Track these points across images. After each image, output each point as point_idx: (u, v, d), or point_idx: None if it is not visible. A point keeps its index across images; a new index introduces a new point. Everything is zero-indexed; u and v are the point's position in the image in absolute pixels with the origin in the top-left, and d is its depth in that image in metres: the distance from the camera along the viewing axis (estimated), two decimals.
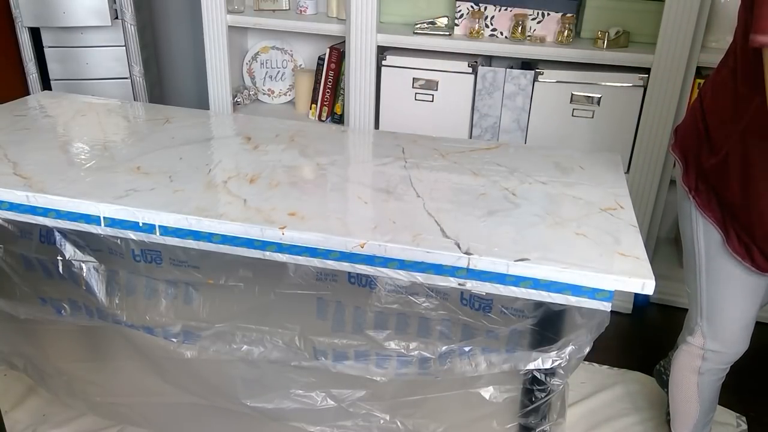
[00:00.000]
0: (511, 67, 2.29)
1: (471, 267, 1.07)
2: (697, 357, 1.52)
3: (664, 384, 1.84)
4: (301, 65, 2.78)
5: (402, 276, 1.12)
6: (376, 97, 2.40)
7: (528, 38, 2.28)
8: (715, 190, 1.37)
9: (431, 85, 2.33)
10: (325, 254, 1.13)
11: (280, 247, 1.15)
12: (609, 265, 1.05)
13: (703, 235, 1.43)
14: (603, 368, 2.10)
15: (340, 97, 2.56)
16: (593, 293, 1.05)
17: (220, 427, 1.58)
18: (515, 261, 1.05)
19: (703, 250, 1.45)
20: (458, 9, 2.30)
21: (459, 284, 1.10)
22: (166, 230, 1.19)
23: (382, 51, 2.37)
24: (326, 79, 2.55)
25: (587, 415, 1.92)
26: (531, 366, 1.15)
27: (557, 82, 2.23)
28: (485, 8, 2.27)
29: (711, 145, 1.34)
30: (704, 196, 1.40)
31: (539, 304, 1.11)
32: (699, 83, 2.11)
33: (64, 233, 1.29)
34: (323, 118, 2.61)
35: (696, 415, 1.59)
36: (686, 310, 1.57)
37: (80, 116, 1.71)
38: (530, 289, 1.07)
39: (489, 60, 2.44)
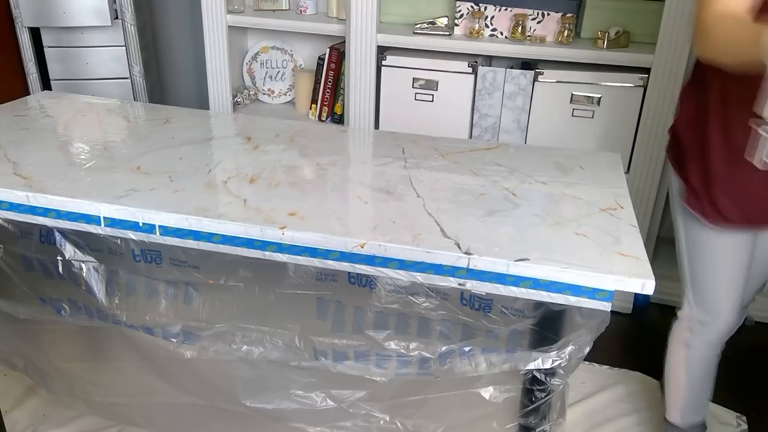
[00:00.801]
0: (511, 67, 2.28)
1: (471, 267, 1.07)
2: (686, 329, 1.53)
3: None
4: (301, 65, 2.78)
5: (402, 276, 1.12)
6: (376, 97, 2.40)
7: (528, 38, 2.28)
8: (681, 142, 1.43)
9: (431, 85, 2.33)
10: (325, 254, 1.13)
11: (280, 247, 1.15)
12: (609, 265, 1.05)
13: (677, 194, 1.46)
14: (603, 368, 2.10)
15: (340, 97, 2.56)
16: (593, 293, 1.05)
17: (220, 427, 1.58)
18: (515, 261, 1.05)
19: (680, 216, 1.47)
20: (458, 9, 2.30)
21: (459, 284, 1.10)
22: (166, 230, 1.19)
23: (382, 51, 2.37)
24: (326, 79, 2.55)
25: (587, 415, 1.92)
26: (531, 366, 1.15)
27: (557, 82, 2.23)
28: (485, 8, 2.27)
29: (691, 94, 1.40)
30: (673, 150, 1.46)
31: (539, 304, 1.11)
32: None
33: (64, 233, 1.29)
34: (323, 118, 2.61)
35: (685, 393, 1.59)
36: None
37: (80, 116, 1.71)
38: (530, 289, 1.07)
39: (489, 60, 2.43)
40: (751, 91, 1.17)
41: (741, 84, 1.22)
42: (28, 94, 2.58)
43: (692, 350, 1.55)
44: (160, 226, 1.19)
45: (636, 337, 2.31)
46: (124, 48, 2.81)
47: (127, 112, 1.82)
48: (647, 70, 2.13)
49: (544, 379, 1.17)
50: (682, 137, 1.44)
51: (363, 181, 1.40)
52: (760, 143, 1.21)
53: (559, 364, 1.13)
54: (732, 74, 1.21)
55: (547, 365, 1.14)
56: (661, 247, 2.53)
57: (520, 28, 2.25)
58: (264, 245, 1.15)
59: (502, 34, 2.30)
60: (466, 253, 1.07)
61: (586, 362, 2.10)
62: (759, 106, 1.16)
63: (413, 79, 2.34)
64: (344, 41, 2.40)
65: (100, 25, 2.71)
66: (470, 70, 2.29)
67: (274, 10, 2.60)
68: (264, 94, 2.83)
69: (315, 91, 2.61)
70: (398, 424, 1.36)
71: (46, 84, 2.86)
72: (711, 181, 1.37)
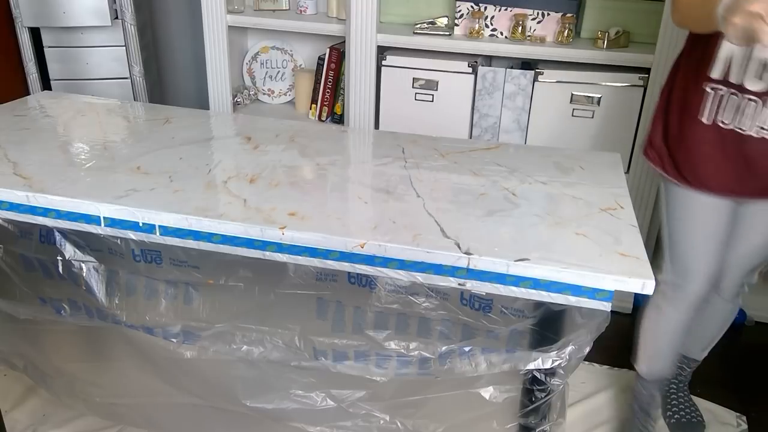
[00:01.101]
0: (511, 67, 2.29)
1: (471, 267, 1.07)
2: (659, 293, 1.63)
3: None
4: (301, 65, 2.78)
5: (402, 276, 1.12)
6: (376, 97, 2.40)
7: (528, 38, 2.28)
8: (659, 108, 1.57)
9: (431, 85, 2.33)
10: (325, 254, 1.13)
11: (280, 247, 1.15)
12: (609, 265, 1.05)
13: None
14: (603, 368, 2.10)
15: (340, 97, 2.56)
16: (593, 293, 1.05)
17: (220, 427, 1.58)
18: (515, 261, 1.05)
19: (662, 181, 1.58)
20: (458, 9, 2.30)
21: (459, 284, 1.10)
22: (166, 230, 1.19)
23: (382, 51, 2.37)
24: (326, 79, 2.55)
25: (587, 415, 1.92)
26: (531, 366, 1.15)
27: (557, 82, 2.23)
28: (485, 8, 2.27)
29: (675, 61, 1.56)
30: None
31: (539, 304, 1.11)
32: None
33: (64, 233, 1.29)
34: (323, 118, 2.61)
35: (650, 349, 1.74)
36: None
37: (80, 116, 1.71)
38: (530, 289, 1.07)
39: (489, 60, 2.43)
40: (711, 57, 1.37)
41: (705, 50, 1.39)
42: (28, 94, 2.58)
43: (662, 313, 1.65)
44: (160, 226, 1.19)
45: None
46: (124, 48, 2.81)
47: (127, 112, 1.82)
48: (647, 70, 2.13)
49: (544, 379, 1.17)
50: (659, 98, 1.58)
51: (363, 181, 1.40)
52: (710, 102, 1.40)
53: (559, 364, 1.13)
54: (700, 41, 1.39)
55: (547, 365, 1.14)
56: (662, 247, 2.52)
57: (520, 28, 2.25)
58: (264, 245, 1.15)
59: (502, 34, 2.30)
60: (466, 253, 1.07)
61: (586, 362, 2.10)
62: (710, 68, 1.38)
63: (413, 79, 2.34)
64: (344, 41, 2.40)
65: (100, 25, 2.70)
66: (470, 70, 2.29)
67: (274, 10, 2.60)
68: (264, 94, 2.83)
69: (315, 91, 2.61)
70: (398, 423, 1.36)
71: (46, 84, 2.86)
72: (670, 139, 1.50)
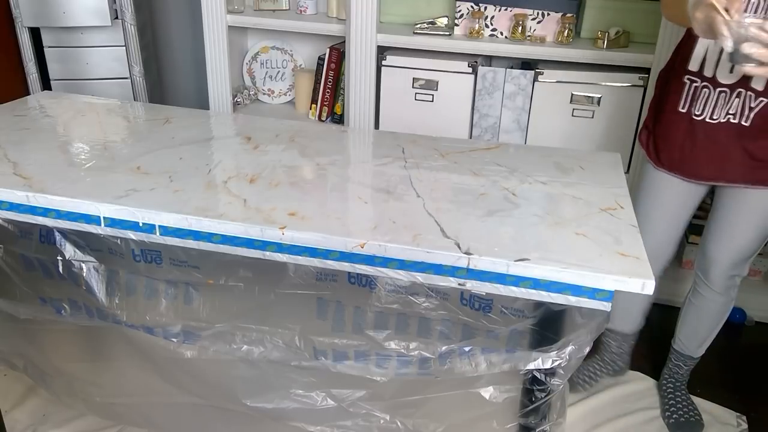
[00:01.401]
0: (511, 67, 2.29)
1: (471, 267, 1.07)
2: None
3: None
4: (301, 65, 2.78)
5: (402, 276, 1.12)
6: (376, 97, 2.40)
7: (528, 38, 2.28)
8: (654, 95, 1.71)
9: (431, 85, 2.33)
10: (325, 254, 1.13)
11: (280, 247, 1.15)
12: (609, 265, 1.05)
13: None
14: None
15: (340, 97, 2.56)
16: (593, 293, 1.05)
17: (220, 427, 1.58)
18: (515, 261, 1.05)
19: (643, 160, 1.72)
20: (458, 9, 2.30)
21: (459, 284, 1.10)
22: (166, 230, 1.19)
23: (382, 51, 2.37)
24: (326, 79, 2.55)
25: (587, 415, 1.92)
26: (531, 366, 1.15)
27: (557, 82, 2.23)
28: (485, 8, 2.27)
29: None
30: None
31: (539, 304, 1.11)
32: None
33: (64, 233, 1.29)
34: (323, 118, 2.61)
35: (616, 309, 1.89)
36: None
37: (80, 116, 1.71)
38: (530, 289, 1.07)
39: (489, 60, 2.44)
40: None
41: (693, 44, 1.50)
42: (28, 94, 2.58)
43: None
44: (160, 226, 1.19)
45: (636, 337, 2.31)
46: (124, 48, 2.81)
47: (127, 112, 1.82)
48: (647, 70, 2.13)
49: (544, 379, 1.17)
50: (656, 85, 1.71)
51: (363, 181, 1.40)
52: (686, 92, 1.52)
53: (559, 364, 1.13)
54: (692, 34, 1.45)
55: (547, 365, 1.14)
56: None
57: (520, 28, 2.25)
58: (264, 245, 1.15)
59: (502, 34, 2.30)
60: (466, 253, 1.07)
61: None
62: (688, 60, 1.51)
63: (413, 79, 2.34)
64: (344, 41, 2.40)
65: (100, 25, 2.70)
66: (470, 70, 2.29)
67: (274, 10, 2.60)
68: (264, 94, 2.83)
69: (315, 91, 2.61)
70: (398, 423, 1.36)
71: (46, 84, 2.86)
72: (656, 123, 1.64)
